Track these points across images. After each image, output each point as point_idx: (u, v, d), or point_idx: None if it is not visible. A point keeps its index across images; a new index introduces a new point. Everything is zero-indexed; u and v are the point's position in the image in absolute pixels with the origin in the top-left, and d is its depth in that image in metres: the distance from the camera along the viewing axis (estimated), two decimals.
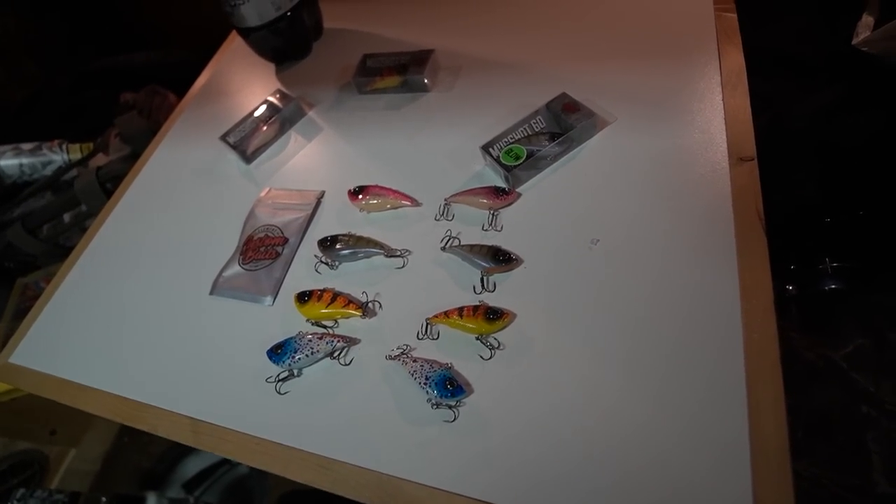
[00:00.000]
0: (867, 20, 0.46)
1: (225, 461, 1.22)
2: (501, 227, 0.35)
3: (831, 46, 0.48)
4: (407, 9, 0.56)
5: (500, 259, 0.33)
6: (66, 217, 0.72)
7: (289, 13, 0.52)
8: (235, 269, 0.40)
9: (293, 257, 0.39)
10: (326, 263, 0.38)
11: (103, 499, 0.89)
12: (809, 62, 0.51)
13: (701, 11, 0.42)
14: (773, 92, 0.52)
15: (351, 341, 0.33)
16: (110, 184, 0.67)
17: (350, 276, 0.37)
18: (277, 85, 0.55)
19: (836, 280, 0.47)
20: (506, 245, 0.34)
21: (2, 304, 0.78)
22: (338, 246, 0.37)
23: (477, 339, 0.30)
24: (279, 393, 0.33)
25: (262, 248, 0.40)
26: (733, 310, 0.28)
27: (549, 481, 0.25)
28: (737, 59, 0.38)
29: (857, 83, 0.47)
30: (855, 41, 0.46)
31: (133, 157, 0.65)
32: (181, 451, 1.26)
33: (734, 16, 0.41)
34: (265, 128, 0.49)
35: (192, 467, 1.23)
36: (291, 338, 0.33)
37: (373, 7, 0.58)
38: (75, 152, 0.73)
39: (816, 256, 0.47)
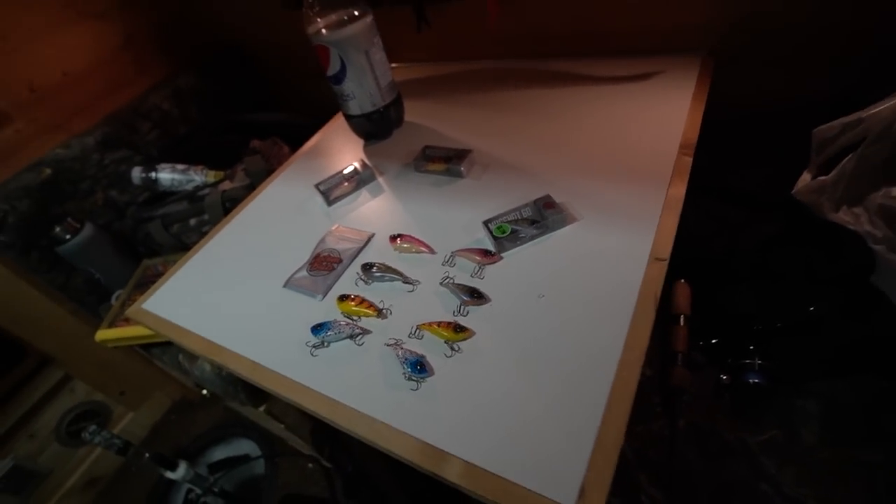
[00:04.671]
0: (805, 176, 0.59)
1: (246, 457, 1.36)
2: (484, 277, 0.51)
3: (784, 192, 0.61)
4: (460, 116, 0.77)
5: (475, 296, 0.48)
6: (192, 222, 0.96)
7: (381, 109, 0.74)
8: (303, 273, 0.58)
9: (343, 273, 0.57)
10: (364, 280, 0.55)
11: (146, 454, 1.05)
12: (765, 201, 0.64)
13: (667, 150, 0.57)
14: (732, 220, 0.65)
15: (365, 331, 0.49)
16: (230, 203, 0.91)
17: (376, 291, 0.53)
18: (361, 155, 0.76)
19: (760, 376, 0.56)
20: (482, 288, 0.49)
21: (128, 276, 1.02)
22: (373, 270, 0.54)
23: (445, 343, 0.45)
24: (312, 355, 0.49)
25: (324, 263, 0.59)
26: (615, 354, 0.40)
27: (472, 431, 0.38)
28: (680, 190, 0.53)
29: (793, 223, 0.59)
30: (793, 190, 0.59)
31: (251, 188, 0.89)
32: (212, 439, 1.43)
33: (690, 159, 0.56)
34: (346, 183, 0.69)
35: (217, 454, 1.39)
36: (328, 321, 0.50)
37: (438, 111, 0.80)
38: (210, 177, 0.99)
39: (747, 354, 0.58)
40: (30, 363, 1.19)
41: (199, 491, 1.18)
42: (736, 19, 0.69)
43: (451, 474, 0.37)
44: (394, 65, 0.75)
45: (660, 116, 0.63)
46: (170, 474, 1.08)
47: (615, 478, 0.34)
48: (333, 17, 0.66)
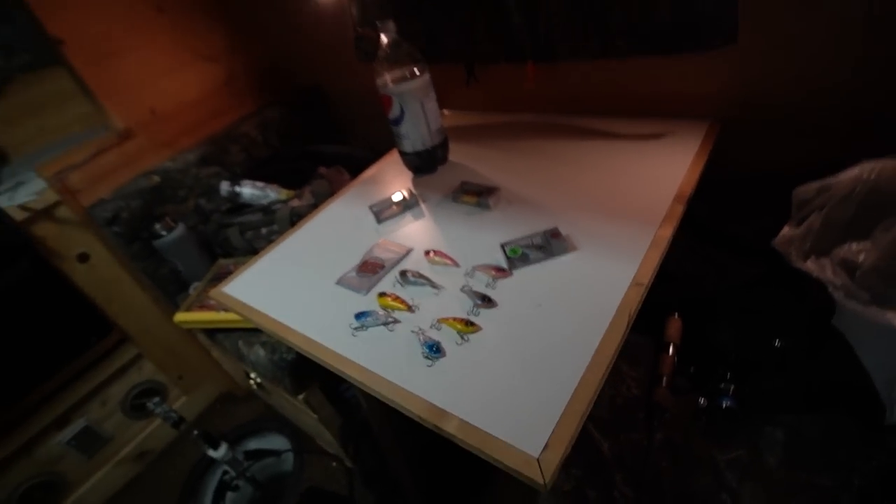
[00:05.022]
0: (786, 229, 0.68)
1: (277, 451, 1.48)
2: (495, 288, 0.62)
3: (769, 242, 0.69)
4: (494, 158, 0.90)
5: (486, 301, 0.59)
6: (264, 230, 1.13)
7: (430, 148, 0.89)
8: (352, 273, 0.72)
9: (384, 276, 0.70)
10: (400, 283, 0.68)
11: (195, 431, 1.19)
12: (752, 248, 0.72)
13: (663, 199, 0.68)
14: (721, 261, 0.74)
15: (396, 321, 0.62)
16: (296, 217, 1.08)
17: (409, 292, 0.66)
18: (409, 185, 0.91)
19: (733, 401, 0.63)
20: (492, 296, 0.61)
21: (204, 271, 1.20)
22: (408, 275, 0.67)
23: (458, 333, 0.57)
24: (353, 335, 0.61)
25: (370, 267, 0.72)
26: (588, 355, 0.51)
27: (469, 398, 0.49)
28: (667, 231, 0.63)
29: (772, 269, 0.67)
30: (773, 241, 0.68)
31: (315, 206, 1.05)
32: (249, 430, 1.56)
33: (681, 208, 0.67)
34: (394, 207, 0.84)
35: (252, 445, 1.52)
36: (368, 311, 0.63)
37: (476, 153, 0.94)
38: (283, 194, 1.17)
39: (723, 381, 0.65)
40: (112, 339, 1.38)
41: (233, 473, 1.31)
42: (739, 96, 0.80)
43: (450, 427, 0.48)
44: (444, 111, 0.90)
45: (662, 170, 0.74)
46: (212, 452, 1.22)
47: (593, 473, 0.44)
48: (398, 73, 0.82)
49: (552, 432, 0.45)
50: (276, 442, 1.52)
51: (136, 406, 1.45)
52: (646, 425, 0.65)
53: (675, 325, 0.72)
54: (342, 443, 1.16)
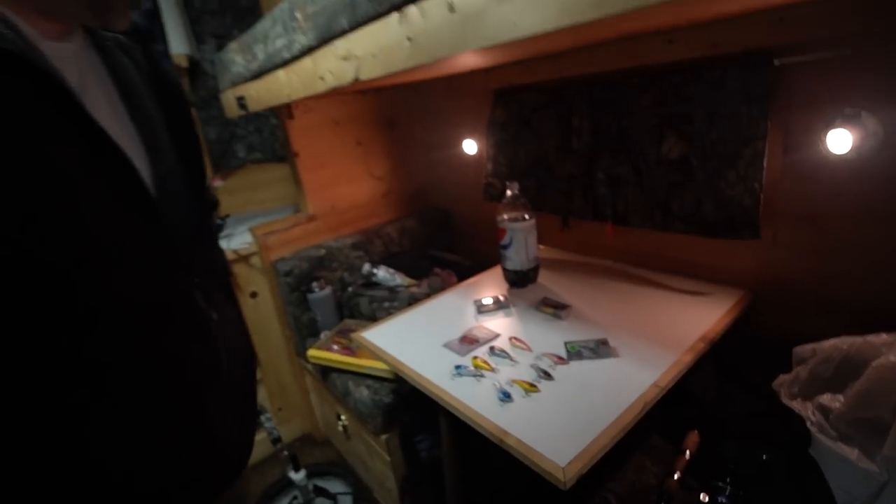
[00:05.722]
0: (782, 375, 0.88)
1: (336, 494, 1.69)
2: (555, 369, 0.89)
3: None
4: (571, 285, 1.21)
5: (547, 375, 0.87)
6: (386, 304, 1.51)
7: (525, 270, 1.23)
8: (456, 341, 1.03)
9: (477, 348, 1.00)
10: (488, 353, 0.97)
11: (285, 451, 1.47)
12: (762, 387, 0.92)
13: (691, 336, 0.93)
14: (736, 394, 0.94)
15: (482, 376, 0.90)
16: (413, 300, 1.44)
17: (494, 360, 0.95)
18: (504, 292, 1.24)
19: (728, 500, 0.80)
20: (551, 373, 0.87)
21: (333, 325, 1.58)
22: (495, 350, 0.97)
23: (524, 391, 0.84)
24: (451, 379, 0.91)
25: (468, 340, 1.03)
26: (603, 425, 0.75)
27: (525, 425, 0.75)
28: (688, 357, 0.87)
29: (772, 404, 0.87)
30: (773, 382, 0.88)
31: (429, 294, 1.41)
32: (319, 471, 1.80)
33: (705, 345, 0.91)
34: (491, 304, 1.16)
35: (318, 483, 1.74)
36: (463, 365, 0.93)
37: (558, 280, 1.25)
38: (406, 281, 1.56)
39: (723, 483, 0.83)
40: None
41: (300, 501, 1.54)
42: (769, 274, 1.05)
43: (510, 441, 0.73)
44: (541, 246, 1.25)
45: (695, 316, 0.99)
46: (293, 474, 1.49)
47: None
48: (513, 214, 1.20)
49: (576, 455, 0.69)
50: (339, 486, 1.74)
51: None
52: None
53: (693, 438, 0.91)
54: (401, 492, 1.37)
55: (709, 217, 1.07)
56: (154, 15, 1.66)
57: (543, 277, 1.28)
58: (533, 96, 1.40)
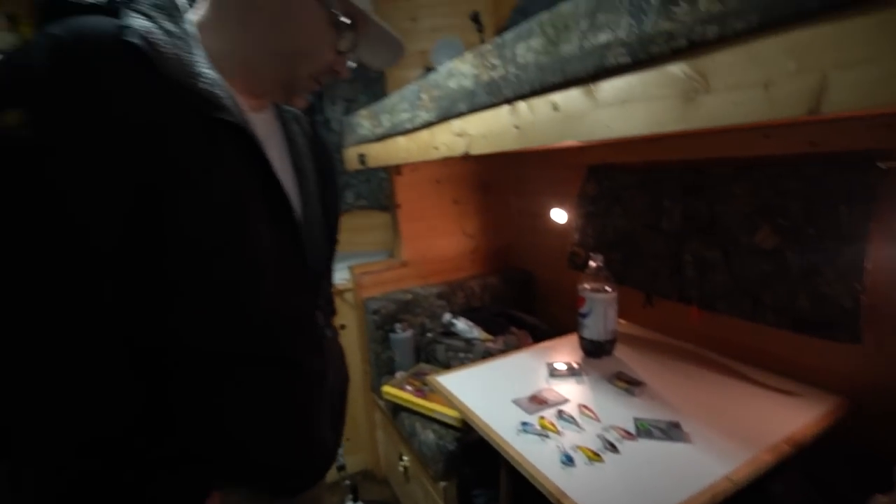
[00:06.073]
0: (877, 496, 0.81)
1: None
2: (622, 443, 0.90)
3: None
4: (647, 363, 1.20)
5: (613, 447, 0.88)
6: (461, 355, 1.58)
7: (602, 341, 1.25)
8: (525, 399, 1.07)
9: (546, 409, 1.03)
10: (556, 417, 1.00)
11: (347, 481, 1.56)
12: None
13: (775, 435, 0.89)
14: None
15: (547, 436, 0.93)
16: (488, 354, 1.50)
17: (560, 423, 0.98)
18: (579, 360, 1.26)
19: None
20: (617, 446, 0.88)
21: (409, 366, 1.68)
22: (563, 414, 1.00)
23: (587, 458, 0.86)
24: (517, 434, 0.95)
25: (537, 400, 1.07)
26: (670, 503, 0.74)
27: (582, 489, 0.77)
28: (767, 456, 0.83)
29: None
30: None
31: (503, 351, 1.47)
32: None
33: (789, 448, 0.86)
34: (565, 370, 1.19)
35: None
36: (531, 423, 0.96)
37: (635, 356, 1.25)
38: (482, 335, 1.63)
39: None
40: None
41: None
42: (869, 382, 0.98)
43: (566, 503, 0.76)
44: (622, 321, 1.27)
45: (781, 416, 0.94)
46: (350, 501, 1.55)
47: None
48: (595, 285, 1.24)
49: None
50: None
51: None
52: None
53: None
54: None
55: (803, 312, 1.04)
56: (320, 94, 2.04)
57: (620, 352, 1.28)
58: (625, 174, 1.46)
